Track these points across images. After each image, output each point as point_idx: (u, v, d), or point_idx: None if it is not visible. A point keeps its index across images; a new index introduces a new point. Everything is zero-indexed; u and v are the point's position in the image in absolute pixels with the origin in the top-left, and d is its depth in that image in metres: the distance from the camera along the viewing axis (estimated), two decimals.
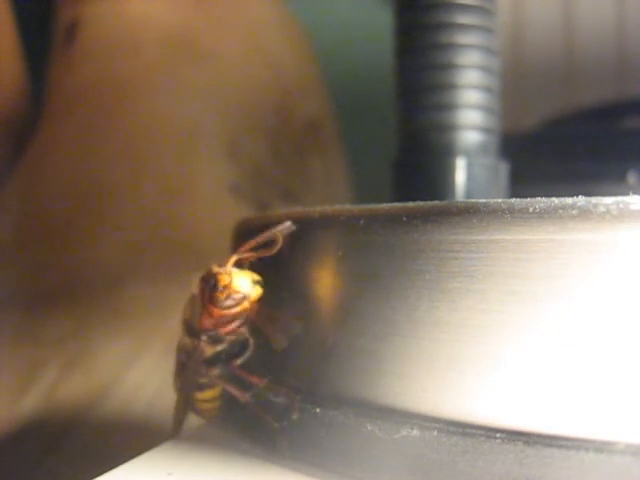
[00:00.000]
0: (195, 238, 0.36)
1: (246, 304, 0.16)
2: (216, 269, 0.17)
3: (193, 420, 0.20)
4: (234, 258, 0.17)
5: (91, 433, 0.31)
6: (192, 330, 0.18)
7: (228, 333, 0.17)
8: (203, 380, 0.18)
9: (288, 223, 0.17)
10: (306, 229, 0.17)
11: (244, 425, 0.19)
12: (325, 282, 0.16)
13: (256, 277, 0.17)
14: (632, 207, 0.13)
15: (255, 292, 0.17)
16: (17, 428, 0.31)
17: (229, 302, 0.16)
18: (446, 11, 0.26)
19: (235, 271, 0.16)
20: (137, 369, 0.32)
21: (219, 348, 0.18)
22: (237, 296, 0.16)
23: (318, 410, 0.16)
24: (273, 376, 0.17)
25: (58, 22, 0.42)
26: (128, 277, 0.34)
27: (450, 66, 0.26)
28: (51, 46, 0.42)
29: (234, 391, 0.18)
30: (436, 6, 0.26)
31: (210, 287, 0.16)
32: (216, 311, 0.17)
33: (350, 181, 0.49)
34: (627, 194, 0.13)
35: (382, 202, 0.16)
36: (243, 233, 0.20)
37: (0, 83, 0.40)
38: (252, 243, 0.17)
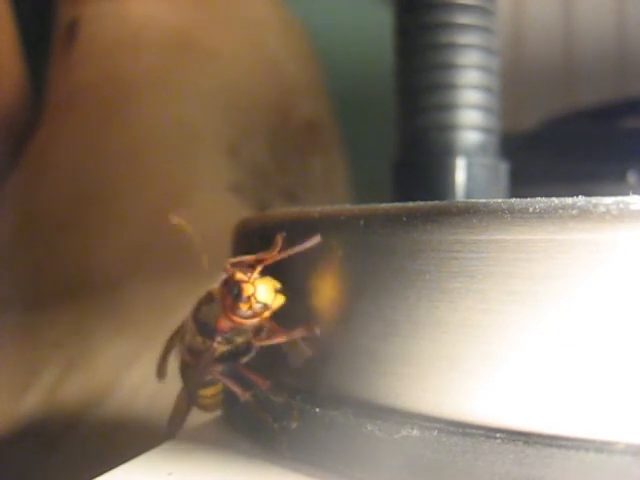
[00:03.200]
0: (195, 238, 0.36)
1: (266, 314, 0.16)
2: (240, 276, 0.16)
3: (193, 420, 0.20)
4: (260, 267, 0.16)
5: (91, 433, 0.31)
6: (207, 331, 0.17)
7: (243, 337, 0.17)
8: (207, 377, 0.18)
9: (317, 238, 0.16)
10: (306, 229, 0.17)
11: (244, 425, 0.19)
12: (325, 282, 0.16)
13: (277, 285, 0.16)
14: (632, 207, 0.13)
15: (276, 302, 0.16)
16: (17, 428, 0.31)
17: (250, 312, 0.16)
18: (446, 11, 0.26)
19: (259, 280, 0.16)
20: (137, 369, 0.32)
21: (228, 348, 0.18)
22: (259, 307, 0.16)
23: (318, 410, 0.16)
24: (273, 376, 0.17)
25: (58, 22, 0.42)
26: (128, 277, 0.34)
27: (450, 66, 0.26)
28: (51, 46, 0.42)
29: (235, 389, 0.18)
30: (436, 6, 0.26)
31: (233, 296, 0.16)
32: (236, 319, 0.16)
33: (350, 181, 0.49)
34: (627, 194, 0.13)
35: (382, 202, 0.16)
36: (243, 233, 0.20)
37: (0, 83, 0.40)
38: (281, 254, 0.16)
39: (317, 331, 0.16)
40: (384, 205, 0.16)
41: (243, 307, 0.16)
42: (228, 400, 0.20)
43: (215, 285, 0.17)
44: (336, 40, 0.55)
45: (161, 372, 0.21)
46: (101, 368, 0.32)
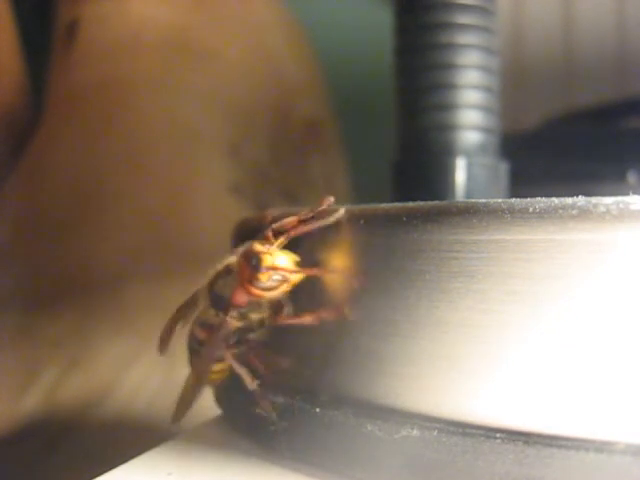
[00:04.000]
0: (195, 238, 0.36)
1: (285, 287, 0.16)
2: (259, 248, 0.16)
3: (193, 420, 0.20)
4: (281, 239, 0.16)
5: (91, 433, 0.31)
6: (221, 304, 0.17)
7: (258, 313, 0.17)
8: (218, 354, 0.18)
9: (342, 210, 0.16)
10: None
11: (244, 425, 0.19)
12: (325, 282, 0.16)
13: (297, 259, 0.16)
14: (632, 207, 0.13)
15: (296, 276, 0.16)
16: (17, 428, 0.31)
17: (270, 284, 0.16)
18: (446, 11, 0.26)
19: (279, 252, 0.16)
20: (137, 369, 0.32)
21: (241, 325, 0.17)
22: (278, 278, 0.16)
23: (318, 410, 0.16)
24: (273, 376, 0.17)
25: (58, 22, 0.42)
26: (128, 277, 0.34)
27: (450, 66, 0.26)
28: (51, 46, 0.42)
29: (244, 375, 0.17)
30: (436, 6, 0.26)
31: (252, 267, 0.16)
32: (255, 291, 0.16)
33: (350, 181, 0.49)
34: (627, 194, 0.13)
35: (382, 202, 0.16)
36: (243, 233, 0.20)
37: (0, 83, 0.40)
38: (305, 229, 0.16)
39: (347, 313, 0.16)
40: (384, 205, 0.15)
41: (262, 277, 0.16)
42: (228, 399, 0.20)
43: (233, 258, 0.17)
44: (336, 40, 0.55)
45: (163, 346, 0.20)
46: (101, 368, 0.32)
